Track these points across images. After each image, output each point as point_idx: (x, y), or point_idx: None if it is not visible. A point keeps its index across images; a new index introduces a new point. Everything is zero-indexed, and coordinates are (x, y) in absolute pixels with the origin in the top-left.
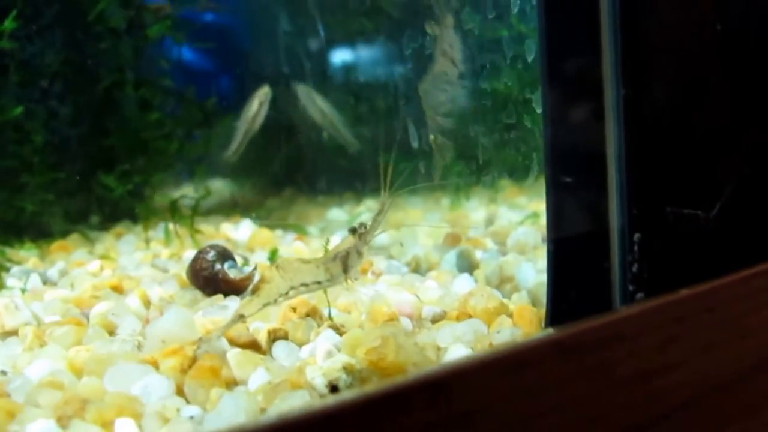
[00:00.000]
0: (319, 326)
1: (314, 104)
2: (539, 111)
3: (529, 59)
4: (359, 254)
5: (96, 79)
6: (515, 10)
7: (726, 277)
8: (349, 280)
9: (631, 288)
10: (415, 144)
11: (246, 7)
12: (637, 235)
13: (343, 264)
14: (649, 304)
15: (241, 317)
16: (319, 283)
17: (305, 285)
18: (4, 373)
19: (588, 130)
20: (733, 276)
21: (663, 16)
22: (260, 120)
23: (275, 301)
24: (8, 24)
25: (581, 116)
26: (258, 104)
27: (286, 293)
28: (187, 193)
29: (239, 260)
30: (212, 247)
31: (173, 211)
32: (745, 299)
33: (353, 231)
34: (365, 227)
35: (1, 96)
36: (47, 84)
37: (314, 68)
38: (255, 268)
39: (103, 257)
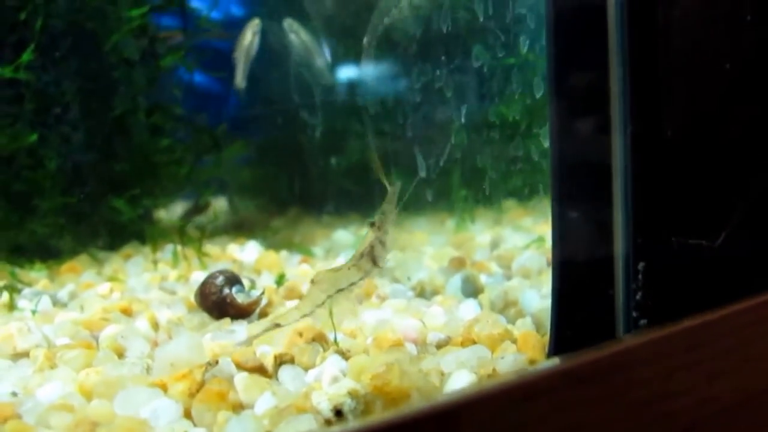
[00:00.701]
0: (325, 351)
1: (299, 38)
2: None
3: (538, 94)
4: (383, 244)
5: (109, 106)
6: (523, 39)
7: (731, 305)
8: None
9: (634, 315)
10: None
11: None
12: (641, 264)
13: (371, 258)
14: (657, 333)
15: (277, 326)
16: (354, 283)
17: (341, 290)
18: (15, 394)
19: (594, 160)
20: (739, 304)
21: (671, 51)
22: (254, 49)
23: (311, 313)
24: (26, 57)
25: (588, 148)
26: (251, 34)
27: (323, 303)
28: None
29: (246, 283)
30: (221, 272)
31: (181, 234)
32: (751, 327)
33: (372, 225)
34: (382, 217)
35: (15, 123)
36: (61, 111)
37: (323, 89)
38: (262, 293)
39: (112, 279)
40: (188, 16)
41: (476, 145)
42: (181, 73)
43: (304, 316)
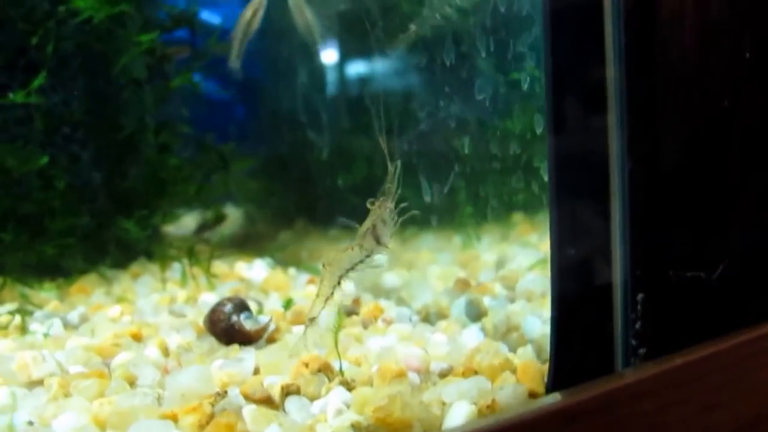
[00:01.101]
0: (330, 381)
1: (302, 16)
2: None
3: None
4: (385, 222)
5: (117, 126)
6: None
7: (728, 338)
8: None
9: (633, 343)
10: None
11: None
12: (640, 295)
13: (374, 236)
14: (652, 368)
15: (311, 320)
16: (361, 261)
17: (351, 269)
18: (31, 423)
19: (592, 193)
20: (736, 338)
21: (668, 87)
22: (255, 26)
23: (332, 294)
24: (37, 82)
25: (586, 181)
26: (252, 11)
27: (339, 283)
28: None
29: (254, 306)
30: (229, 299)
31: (190, 255)
32: (747, 360)
33: (372, 203)
34: (383, 196)
35: (26, 145)
36: (70, 131)
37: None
38: (270, 320)
39: (121, 299)
40: (196, 30)
41: (483, 162)
42: (189, 89)
43: (328, 300)
